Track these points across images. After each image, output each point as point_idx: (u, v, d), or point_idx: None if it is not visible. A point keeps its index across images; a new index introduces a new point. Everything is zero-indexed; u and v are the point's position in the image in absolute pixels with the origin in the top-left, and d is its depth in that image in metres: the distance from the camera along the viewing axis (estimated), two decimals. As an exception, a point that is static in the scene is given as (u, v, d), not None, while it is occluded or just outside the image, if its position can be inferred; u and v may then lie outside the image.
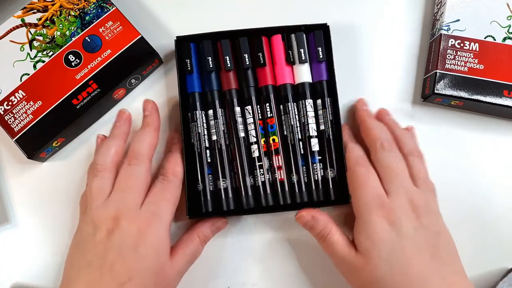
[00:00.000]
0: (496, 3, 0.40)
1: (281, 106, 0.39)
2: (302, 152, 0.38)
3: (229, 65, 0.39)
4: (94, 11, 0.40)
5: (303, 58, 0.39)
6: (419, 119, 0.42)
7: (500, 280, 0.37)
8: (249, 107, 0.39)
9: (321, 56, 0.39)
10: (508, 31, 0.40)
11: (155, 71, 0.43)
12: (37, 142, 0.38)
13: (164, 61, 0.42)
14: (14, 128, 0.38)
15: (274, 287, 0.39)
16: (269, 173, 0.38)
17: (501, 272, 0.39)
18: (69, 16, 0.40)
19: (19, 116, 0.38)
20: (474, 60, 0.39)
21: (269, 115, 0.39)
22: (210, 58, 0.39)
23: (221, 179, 0.37)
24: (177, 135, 0.39)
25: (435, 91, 0.39)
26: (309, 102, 0.39)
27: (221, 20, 0.41)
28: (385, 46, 0.43)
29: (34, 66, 0.39)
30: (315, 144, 0.38)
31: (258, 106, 0.39)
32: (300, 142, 0.38)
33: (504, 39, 0.40)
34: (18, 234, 0.40)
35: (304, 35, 0.40)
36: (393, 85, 0.42)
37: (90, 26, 0.40)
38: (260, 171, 0.38)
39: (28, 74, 0.39)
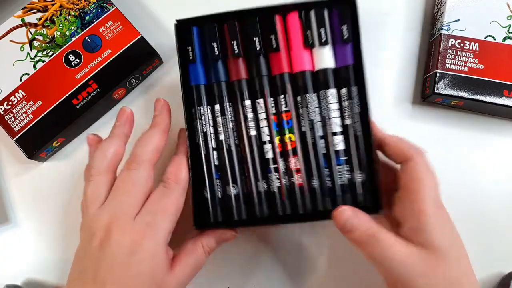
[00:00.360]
0: (496, 3, 0.40)
1: (299, 98, 0.33)
2: (324, 152, 0.33)
3: (236, 51, 0.33)
4: (94, 11, 0.40)
5: (324, 39, 0.33)
6: (419, 119, 0.41)
7: (500, 280, 0.37)
8: (261, 100, 0.33)
9: (346, 36, 0.32)
10: (508, 31, 0.40)
11: (155, 71, 0.43)
12: (37, 142, 0.38)
13: (164, 61, 0.42)
14: (14, 128, 0.38)
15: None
16: (286, 177, 0.33)
17: (501, 273, 0.38)
18: (69, 16, 0.40)
19: (19, 116, 0.38)
20: (474, 60, 0.39)
21: (284, 109, 0.33)
22: (215, 43, 0.34)
23: (231, 184, 0.33)
24: (183, 134, 0.35)
25: (435, 91, 0.39)
26: (331, 92, 0.33)
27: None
28: (385, 45, 0.43)
29: (34, 66, 0.39)
30: (339, 142, 0.33)
31: (272, 99, 0.33)
32: (322, 140, 0.33)
33: (504, 39, 0.40)
34: (18, 234, 0.40)
35: (326, 11, 0.33)
36: (393, 85, 0.42)
37: (90, 26, 0.40)
38: (275, 175, 0.33)
39: (28, 74, 0.39)
